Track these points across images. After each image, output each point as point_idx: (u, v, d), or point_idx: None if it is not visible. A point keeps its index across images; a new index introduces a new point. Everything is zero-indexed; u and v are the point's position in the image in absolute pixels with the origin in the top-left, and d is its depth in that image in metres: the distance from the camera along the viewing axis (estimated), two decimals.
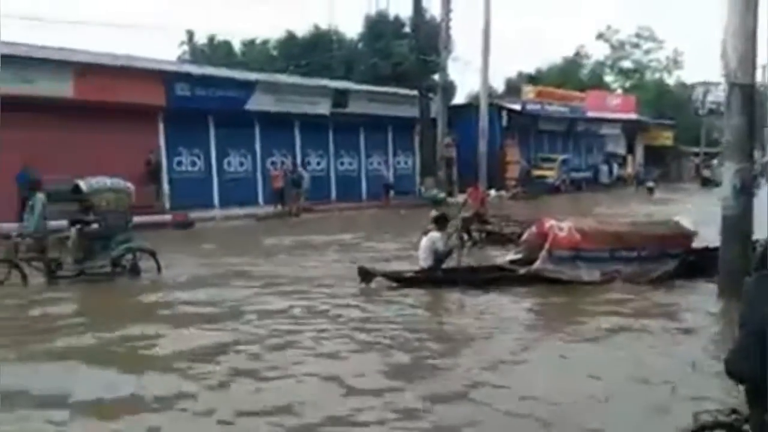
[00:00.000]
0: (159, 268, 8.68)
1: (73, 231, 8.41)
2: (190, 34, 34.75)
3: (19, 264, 8.02)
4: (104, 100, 15.27)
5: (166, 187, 17.39)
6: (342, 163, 22.41)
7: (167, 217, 16.09)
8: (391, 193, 22.01)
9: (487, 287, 7.52)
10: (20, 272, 7.98)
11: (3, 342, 5.68)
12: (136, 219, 14.16)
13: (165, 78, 17.14)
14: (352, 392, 4.41)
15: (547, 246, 7.73)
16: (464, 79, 63.28)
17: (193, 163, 18.42)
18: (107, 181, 8.70)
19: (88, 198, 8.49)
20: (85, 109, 15.02)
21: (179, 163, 18.07)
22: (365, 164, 23.00)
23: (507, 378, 4.74)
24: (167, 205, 17.14)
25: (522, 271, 7.83)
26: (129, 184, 8.93)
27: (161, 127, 17.48)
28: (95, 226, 8.40)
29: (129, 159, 15.77)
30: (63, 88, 14.94)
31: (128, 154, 15.69)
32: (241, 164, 19.58)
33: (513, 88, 36.28)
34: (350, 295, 7.46)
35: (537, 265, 7.69)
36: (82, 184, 8.54)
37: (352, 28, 43.23)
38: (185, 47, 35.17)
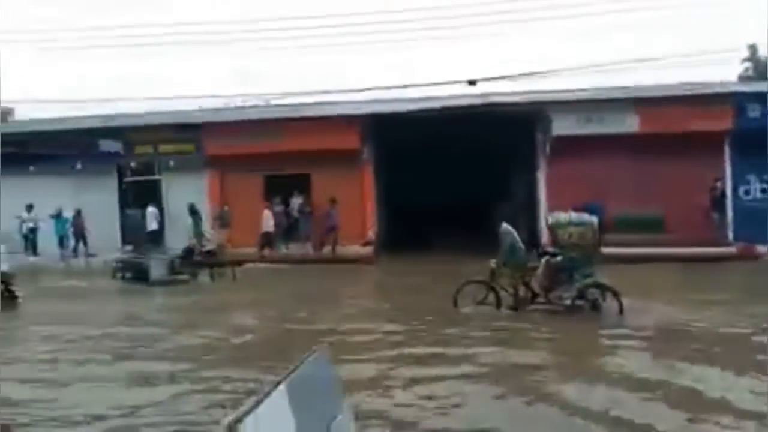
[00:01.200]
0: (621, 310, 8.16)
1: (542, 261, 8.86)
2: (753, 49, 31.04)
3: (495, 287, 8.76)
4: (665, 132, 15.55)
5: (729, 217, 16.09)
6: None
7: (730, 250, 14.89)
8: None
9: None
10: (496, 295, 8.73)
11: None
12: (696, 250, 14.03)
13: (732, 100, 15.97)
14: None
15: None
16: None
17: (764, 191, 16.33)
18: (572, 216, 8.94)
19: (553, 230, 8.85)
20: (647, 141, 15.71)
21: (746, 192, 16.38)
22: None
23: None
24: (730, 237, 15.82)
25: None
26: (593, 219, 8.86)
27: (727, 153, 16.35)
28: (559, 258, 8.64)
29: (690, 188, 15.59)
30: (628, 124, 16.09)
31: (690, 183, 15.55)
32: None
33: None
34: None
35: None
36: (549, 218, 8.98)
37: None
38: (746, 64, 31.69)
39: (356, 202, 17.37)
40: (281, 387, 1.81)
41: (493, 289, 8.75)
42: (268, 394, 1.76)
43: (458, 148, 19.65)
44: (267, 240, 16.98)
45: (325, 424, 2.00)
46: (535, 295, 8.81)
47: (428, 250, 16.57)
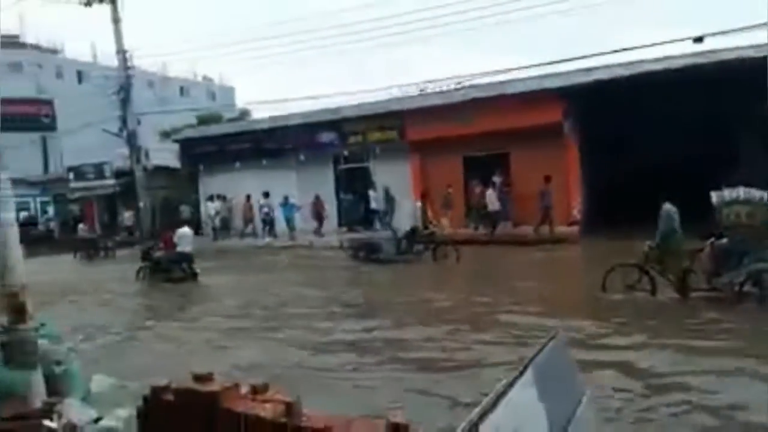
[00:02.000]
0: None
1: (707, 244, 8.14)
2: None
3: (649, 272, 8.27)
4: None
5: None
6: None
7: None
8: None
9: None
10: (650, 280, 8.22)
11: None
12: None
13: None
14: None
15: None
16: None
17: None
18: (740, 193, 8.09)
19: (719, 211, 8.05)
20: None
21: None
22: None
23: None
24: None
25: None
26: (766, 195, 7.96)
27: None
28: (725, 240, 7.93)
29: None
30: None
31: None
32: None
33: None
34: None
35: None
36: (714, 197, 8.17)
37: None
38: None
39: (560, 180, 16.53)
40: (528, 373, 1.86)
41: (647, 273, 8.35)
42: (515, 380, 1.80)
43: (674, 116, 17.50)
44: (492, 220, 16.90)
45: (572, 407, 2.03)
46: (687, 272, 8.18)
47: (640, 229, 15.17)
